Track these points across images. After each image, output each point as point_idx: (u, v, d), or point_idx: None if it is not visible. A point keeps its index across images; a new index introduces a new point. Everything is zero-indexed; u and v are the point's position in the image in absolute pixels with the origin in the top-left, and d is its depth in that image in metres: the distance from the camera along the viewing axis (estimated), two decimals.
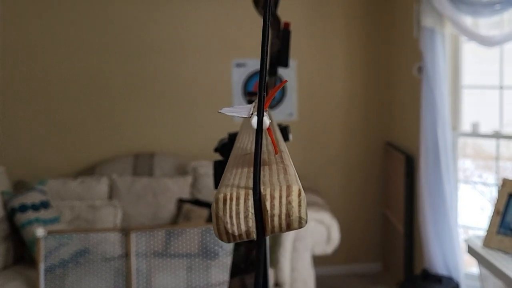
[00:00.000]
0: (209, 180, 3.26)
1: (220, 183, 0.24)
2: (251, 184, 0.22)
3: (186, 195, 3.24)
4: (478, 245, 2.41)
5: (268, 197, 0.21)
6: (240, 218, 0.21)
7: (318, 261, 3.18)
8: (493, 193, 3.08)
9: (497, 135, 2.82)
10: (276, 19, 0.72)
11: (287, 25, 0.71)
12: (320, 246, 2.98)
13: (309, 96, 3.62)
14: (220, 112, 0.29)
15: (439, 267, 2.85)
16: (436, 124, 2.80)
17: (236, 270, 0.80)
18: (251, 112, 0.26)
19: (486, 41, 2.62)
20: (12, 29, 3.38)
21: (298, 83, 3.58)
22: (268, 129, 0.24)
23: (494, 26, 2.70)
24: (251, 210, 0.21)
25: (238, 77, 3.56)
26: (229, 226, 0.21)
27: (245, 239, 0.21)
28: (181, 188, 3.23)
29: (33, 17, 3.42)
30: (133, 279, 2.70)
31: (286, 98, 3.57)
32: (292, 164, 0.28)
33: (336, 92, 3.65)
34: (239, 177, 0.24)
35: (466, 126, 2.94)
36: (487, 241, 2.38)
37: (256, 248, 0.22)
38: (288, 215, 0.21)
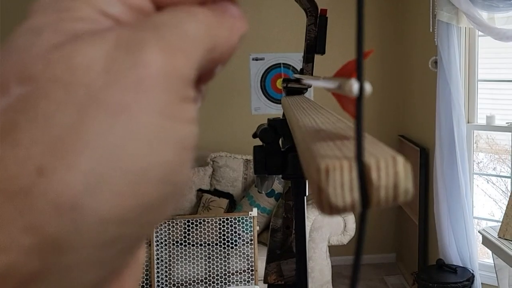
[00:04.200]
0: (228, 171, 3.32)
1: (310, 156, 0.22)
2: (346, 153, 0.21)
3: (205, 185, 3.31)
4: (493, 236, 2.45)
5: (374, 167, 0.19)
6: (344, 189, 0.19)
7: (334, 251, 3.23)
8: (507, 185, 3.11)
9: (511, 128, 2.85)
10: (314, 6, 0.76)
11: (324, 11, 0.74)
12: (336, 236, 3.03)
13: (323, 89, 3.65)
14: (305, 83, 0.30)
15: (454, 258, 2.89)
16: (452, 117, 2.82)
17: (272, 256, 0.82)
18: (338, 83, 0.24)
19: (501, 36, 2.64)
20: (13, 26, 3.44)
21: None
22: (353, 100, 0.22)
23: (510, 21, 2.72)
24: (356, 181, 0.19)
25: (256, 71, 3.62)
26: (333, 198, 0.19)
27: (348, 213, 0.20)
28: (201, 178, 3.30)
29: None
30: (154, 267, 2.77)
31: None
32: None
33: None
34: (330, 148, 0.22)
35: (480, 119, 2.97)
36: (502, 232, 2.42)
37: (359, 222, 0.20)
38: (395, 186, 0.20)
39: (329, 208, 0.20)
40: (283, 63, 3.61)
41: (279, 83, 3.62)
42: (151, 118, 0.17)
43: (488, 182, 3.16)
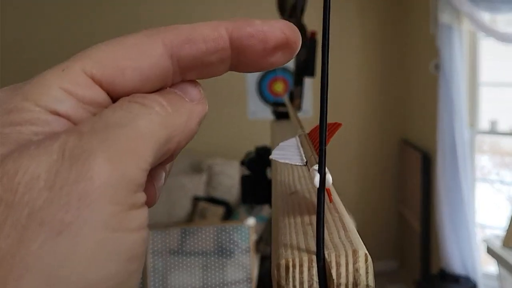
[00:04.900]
0: (224, 178, 3.26)
1: (276, 240, 0.22)
2: (310, 242, 0.20)
3: (201, 193, 3.24)
4: (497, 245, 2.38)
5: (333, 264, 0.19)
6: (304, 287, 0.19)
7: None
8: (511, 191, 3.04)
9: None
10: (302, 28, 0.71)
11: (313, 34, 0.70)
12: None
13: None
14: (271, 158, 0.28)
15: (456, 266, 2.83)
16: (454, 121, 2.77)
17: (262, 284, 0.79)
18: (305, 160, 0.24)
19: (504, 38, 2.58)
20: (13, 27, 3.38)
21: (314, 81, 3.55)
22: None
23: None
24: (316, 278, 0.19)
25: (252, 74, 3.55)
26: None
27: None
28: (196, 186, 3.23)
29: (35, 13, 3.42)
30: (149, 277, 2.71)
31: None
32: (343, 208, 0.25)
33: (351, 89, 3.63)
34: (294, 231, 0.22)
35: (484, 124, 2.91)
36: (507, 241, 2.36)
37: None
38: (355, 284, 0.19)
39: None
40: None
41: (276, 87, 3.56)
42: (95, 234, 0.17)
43: (491, 188, 3.10)
